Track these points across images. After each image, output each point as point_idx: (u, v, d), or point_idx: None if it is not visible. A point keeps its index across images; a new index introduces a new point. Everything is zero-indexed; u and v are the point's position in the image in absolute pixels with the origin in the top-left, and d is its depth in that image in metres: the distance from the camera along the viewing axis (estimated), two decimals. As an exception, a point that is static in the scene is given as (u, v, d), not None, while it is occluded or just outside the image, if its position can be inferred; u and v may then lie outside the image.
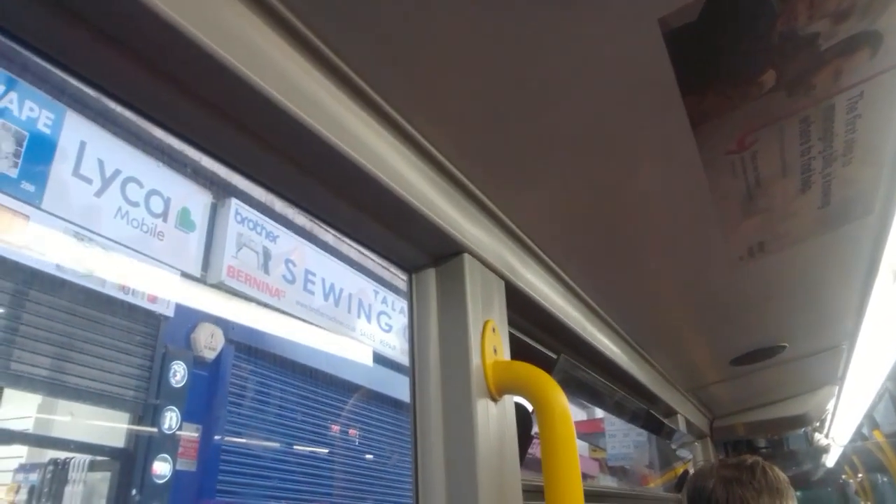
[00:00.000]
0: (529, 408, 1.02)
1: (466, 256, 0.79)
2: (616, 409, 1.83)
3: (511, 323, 0.90)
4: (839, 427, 3.83)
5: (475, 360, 0.76)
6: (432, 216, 0.71)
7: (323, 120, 0.55)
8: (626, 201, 0.91)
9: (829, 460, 5.31)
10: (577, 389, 1.42)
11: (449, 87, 0.64)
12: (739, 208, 0.95)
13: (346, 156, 0.58)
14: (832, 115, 0.77)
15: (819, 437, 3.88)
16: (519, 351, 0.97)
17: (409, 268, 0.83)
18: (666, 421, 2.09)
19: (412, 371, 0.80)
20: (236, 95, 0.49)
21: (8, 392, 4.79)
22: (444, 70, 0.62)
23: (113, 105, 5.07)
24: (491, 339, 0.79)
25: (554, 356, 1.20)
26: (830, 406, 2.82)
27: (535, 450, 0.86)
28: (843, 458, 5.75)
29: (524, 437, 0.87)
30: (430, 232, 0.74)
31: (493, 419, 0.76)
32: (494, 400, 0.77)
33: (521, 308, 0.98)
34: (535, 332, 1.11)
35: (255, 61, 0.48)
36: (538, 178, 0.82)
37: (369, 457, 8.32)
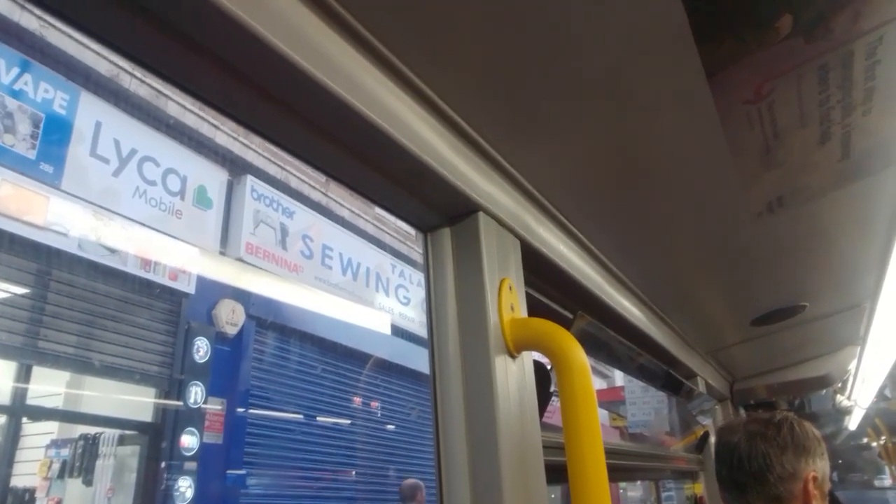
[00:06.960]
0: (548, 365, 1.02)
1: (481, 215, 0.79)
2: (634, 371, 1.83)
3: (528, 283, 0.90)
4: (861, 388, 3.80)
5: (492, 317, 0.76)
6: (446, 175, 0.71)
7: (336, 77, 0.55)
8: (640, 157, 0.90)
9: (852, 422, 5.29)
10: (594, 349, 1.42)
11: (461, 42, 0.64)
12: (757, 161, 0.94)
13: (360, 114, 0.58)
14: (851, 61, 0.75)
15: (841, 399, 3.86)
16: (536, 311, 0.97)
17: (424, 227, 0.83)
18: (686, 383, 2.09)
19: (430, 330, 0.80)
20: (250, 54, 0.49)
21: (37, 370, 4.90)
22: (456, 24, 0.61)
23: (126, 84, 5.08)
24: (508, 297, 0.79)
25: (570, 316, 1.20)
26: (852, 367, 2.80)
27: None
28: (866, 420, 5.72)
29: (543, 395, 0.87)
30: (445, 191, 0.74)
31: (513, 375, 0.77)
32: (513, 356, 0.78)
33: (538, 268, 0.98)
34: (551, 292, 1.11)
35: (266, 18, 0.48)
36: (552, 135, 0.82)
37: (391, 427, 8.44)
